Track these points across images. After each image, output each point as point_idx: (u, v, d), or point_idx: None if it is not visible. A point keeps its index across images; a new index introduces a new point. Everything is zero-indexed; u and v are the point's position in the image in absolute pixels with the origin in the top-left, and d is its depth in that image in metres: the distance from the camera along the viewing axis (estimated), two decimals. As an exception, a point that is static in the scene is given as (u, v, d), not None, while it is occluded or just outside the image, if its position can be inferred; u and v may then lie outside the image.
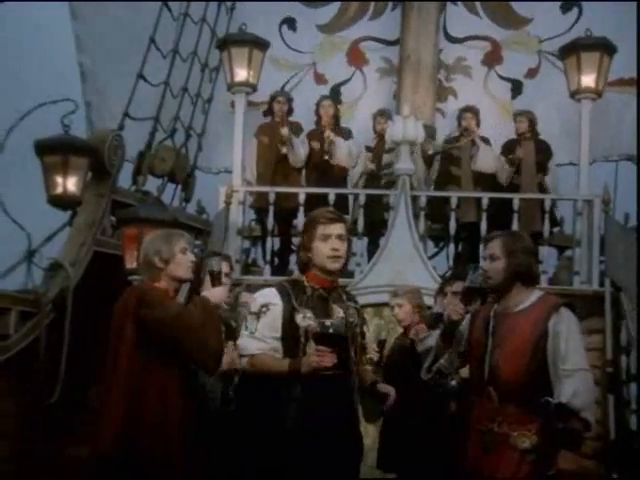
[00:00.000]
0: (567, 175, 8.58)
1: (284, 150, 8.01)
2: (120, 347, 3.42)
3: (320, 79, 9.79)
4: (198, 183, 8.71)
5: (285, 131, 7.98)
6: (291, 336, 3.45)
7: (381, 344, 4.80)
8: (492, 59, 9.56)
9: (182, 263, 3.66)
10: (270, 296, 3.54)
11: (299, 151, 8.05)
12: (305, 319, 3.45)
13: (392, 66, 9.50)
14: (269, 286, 3.64)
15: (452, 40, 9.59)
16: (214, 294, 3.63)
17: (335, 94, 9.49)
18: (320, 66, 9.78)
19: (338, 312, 3.51)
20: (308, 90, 9.45)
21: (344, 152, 8.07)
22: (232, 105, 8.37)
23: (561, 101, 8.47)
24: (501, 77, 9.53)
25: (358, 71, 9.76)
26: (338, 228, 3.53)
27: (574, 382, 3.31)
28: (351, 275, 7.35)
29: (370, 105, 9.23)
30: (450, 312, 3.64)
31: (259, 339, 3.49)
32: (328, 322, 3.42)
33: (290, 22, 9.85)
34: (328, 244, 3.51)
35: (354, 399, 3.52)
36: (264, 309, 3.49)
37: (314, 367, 3.32)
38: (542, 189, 8.00)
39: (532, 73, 9.46)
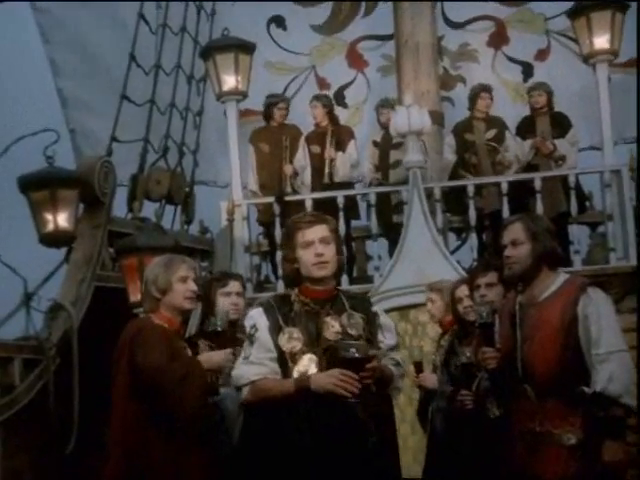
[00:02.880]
0: (588, 159, 8.57)
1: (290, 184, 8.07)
2: (115, 390, 3.46)
3: (323, 83, 10.01)
4: (200, 201, 8.75)
5: (289, 170, 8.03)
6: (280, 358, 3.30)
7: (418, 367, 4.81)
8: (498, 40, 9.66)
9: (180, 292, 3.67)
10: (256, 316, 3.39)
11: (306, 177, 8.10)
12: (291, 340, 3.28)
13: (393, 61, 9.50)
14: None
15: (453, 25, 9.72)
16: (211, 359, 3.65)
17: (340, 98, 9.75)
18: (320, 69, 10.02)
19: (332, 326, 3.30)
20: (310, 94, 9.40)
21: (347, 167, 8.11)
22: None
23: (576, 84, 8.48)
24: (510, 59, 9.64)
25: (360, 74, 10.02)
26: (320, 231, 3.36)
27: (609, 366, 3.30)
28: (370, 280, 7.34)
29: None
30: (485, 364, 3.61)
31: (256, 363, 3.32)
32: (352, 343, 3.22)
33: (279, 21, 9.98)
34: (311, 250, 3.33)
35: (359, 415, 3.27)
36: (253, 330, 3.36)
37: (330, 390, 3.16)
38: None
39: (542, 55, 9.57)
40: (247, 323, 3.41)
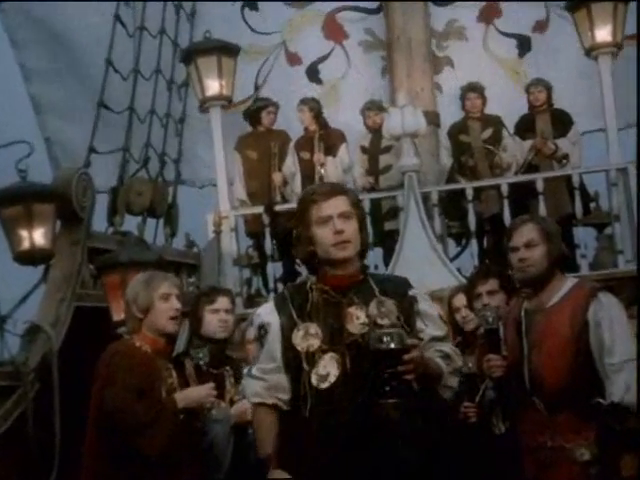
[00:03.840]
0: (595, 143, 8.51)
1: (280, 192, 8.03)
2: (89, 415, 3.44)
3: (293, 59, 9.45)
4: (185, 212, 8.72)
5: (279, 178, 8.00)
6: (293, 363, 2.95)
7: None
8: (489, 13, 9.29)
9: (163, 311, 3.64)
10: (265, 313, 3.07)
11: (296, 185, 8.08)
12: (307, 337, 2.93)
13: (377, 39, 9.32)
14: None
15: (440, 3, 9.29)
16: (189, 397, 3.61)
17: (313, 74, 9.33)
18: (292, 44, 9.45)
19: (357, 318, 2.92)
20: (282, 75, 9.32)
21: (339, 172, 8.08)
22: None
23: (580, 59, 8.32)
24: (503, 33, 9.26)
25: (338, 46, 9.43)
26: (339, 204, 2.97)
27: (625, 376, 3.29)
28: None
29: (356, 85, 9.09)
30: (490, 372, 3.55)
31: (257, 377, 3.02)
32: (385, 332, 2.78)
33: (251, 4, 9.54)
34: (328, 228, 2.95)
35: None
36: (262, 332, 3.03)
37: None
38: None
39: (541, 27, 9.21)
40: (255, 322, 3.10)
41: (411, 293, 3.05)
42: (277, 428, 2.97)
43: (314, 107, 8.30)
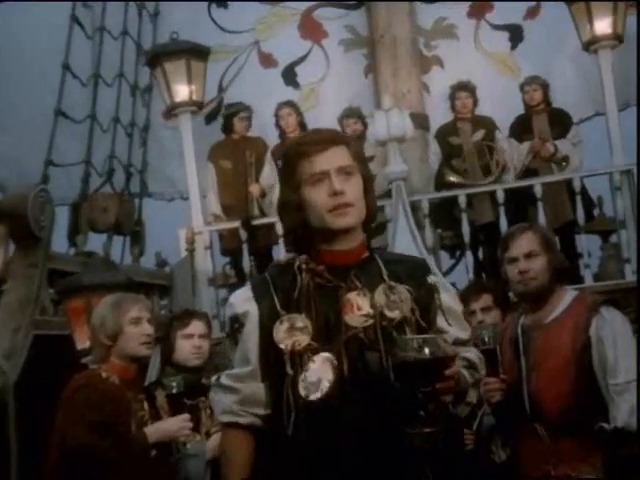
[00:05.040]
0: (592, 131, 8.53)
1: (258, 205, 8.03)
2: (49, 458, 3.44)
3: (267, 60, 9.47)
4: (154, 228, 8.72)
5: (256, 189, 8.00)
6: (274, 367, 2.45)
7: None
8: (480, 8, 9.37)
9: (133, 337, 3.63)
10: (240, 301, 2.55)
11: (275, 196, 8.06)
12: (292, 331, 2.43)
13: (359, 36, 9.36)
14: None
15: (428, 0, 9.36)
16: (160, 430, 3.59)
17: (289, 77, 9.35)
18: (265, 44, 9.48)
19: (358, 306, 2.43)
20: (254, 78, 9.32)
21: None
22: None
23: (575, 42, 8.29)
24: (495, 26, 9.35)
25: (316, 46, 9.46)
26: (337, 156, 2.48)
27: (630, 398, 3.28)
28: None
29: (336, 87, 9.11)
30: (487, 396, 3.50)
31: (227, 388, 2.54)
32: (417, 337, 2.29)
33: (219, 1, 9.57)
34: (323, 188, 2.45)
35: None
36: (236, 325, 2.53)
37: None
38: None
39: (533, 13, 9.27)
40: (227, 313, 2.59)
41: (431, 280, 2.55)
42: (253, 456, 2.50)
43: (298, 111, 8.34)
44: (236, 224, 7.95)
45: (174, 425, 3.64)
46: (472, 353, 2.62)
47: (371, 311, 2.43)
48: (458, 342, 2.56)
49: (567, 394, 3.37)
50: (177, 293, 7.70)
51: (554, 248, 3.54)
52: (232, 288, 8.89)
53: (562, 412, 3.37)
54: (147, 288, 7.52)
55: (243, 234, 7.87)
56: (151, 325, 3.79)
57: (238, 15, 9.48)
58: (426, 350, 2.22)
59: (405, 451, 2.31)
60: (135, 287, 6.45)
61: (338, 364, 2.40)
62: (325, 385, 2.38)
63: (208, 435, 4.12)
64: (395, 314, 2.42)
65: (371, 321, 2.42)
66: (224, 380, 2.55)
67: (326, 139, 2.50)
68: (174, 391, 3.93)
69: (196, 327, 4.31)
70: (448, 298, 2.58)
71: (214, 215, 8.22)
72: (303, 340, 2.41)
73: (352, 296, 2.45)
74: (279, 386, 2.42)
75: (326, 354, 2.41)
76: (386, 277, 2.48)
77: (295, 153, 2.51)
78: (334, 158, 2.47)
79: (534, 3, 9.28)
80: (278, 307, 2.45)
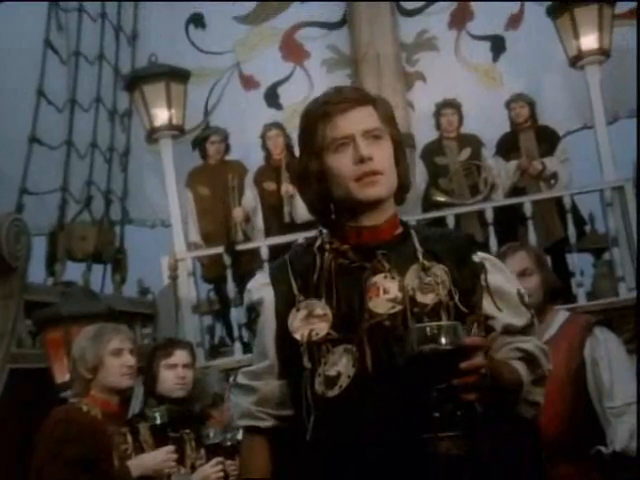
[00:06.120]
0: (580, 144, 8.56)
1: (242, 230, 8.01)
2: None
3: (249, 82, 9.49)
4: (136, 256, 8.69)
5: (239, 213, 7.98)
6: (292, 360, 2.20)
7: None
8: (461, 17, 9.38)
9: (114, 369, 3.60)
10: (256, 288, 2.33)
11: (258, 220, 8.07)
12: (310, 319, 2.17)
13: (342, 55, 9.39)
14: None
15: (409, 13, 9.40)
16: (143, 464, 3.57)
17: (272, 99, 9.38)
18: (246, 66, 9.50)
19: (385, 290, 2.15)
20: (236, 100, 9.33)
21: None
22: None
23: (559, 52, 8.34)
24: (475, 37, 9.36)
25: (298, 67, 9.51)
26: (364, 118, 2.22)
27: (628, 420, 3.28)
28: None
29: None
30: None
31: (245, 387, 2.32)
32: (433, 325, 1.97)
33: (197, 20, 9.58)
34: (348, 153, 2.20)
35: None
36: (253, 315, 2.36)
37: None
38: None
39: (515, 21, 9.25)
40: (245, 301, 2.38)
41: (477, 258, 2.25)
42: (274, 458, 2.28)
43: (286, 132, 8.33)
44: (219, 250, 7.92)
45: (158, 457, 3.61)
46: (531, 343, 2.28)
47: (399, 295, 2.14)
48: (510, 330, 2.26)
49: (563, 416, 3.35)
50: (161, 321, 7.67)
51: (547, 267, 3.58)
52: (216, 315, 8.89)
53: (558, 434, 3.34)
54: (129, 317, 7.49)
55: (227, 259, 7.84)
56: (133, 356, 3.77)
57: (217, 36, 9.52)
58: (442, 340, 1.92)
59: (428, 458, 2.02)
60: (116, 316, 6.41)
61: (360, 356, 2.13)
62: (345, 381, 2.13)
63: (193, 468, 4.08)
64: (429, 298, 2.13)
65: (399, 307, 2.13)
66: (241, 379, 2.33)
67: (350, 98, 2.24)
68: (157, 422, 3.89)
69: (180, 356, 4.28)
70: (499, 278, 2.27)
71: (193, 244, 8.17)
72: (321, 329, 2.16)
73: (379, 279, 2.16)
74: (298, 382, 2.17)
75: (346, 345, 2.14)
76: (421, 256, 2.19)
77: (314, 116, 2.27)
78: (360, 120, 2.21)
79: (515, 11, 9.26)
80: (295, 292, 2.21)
